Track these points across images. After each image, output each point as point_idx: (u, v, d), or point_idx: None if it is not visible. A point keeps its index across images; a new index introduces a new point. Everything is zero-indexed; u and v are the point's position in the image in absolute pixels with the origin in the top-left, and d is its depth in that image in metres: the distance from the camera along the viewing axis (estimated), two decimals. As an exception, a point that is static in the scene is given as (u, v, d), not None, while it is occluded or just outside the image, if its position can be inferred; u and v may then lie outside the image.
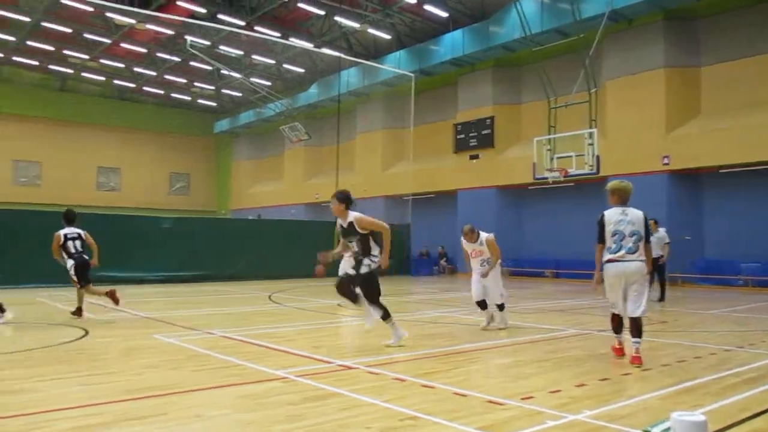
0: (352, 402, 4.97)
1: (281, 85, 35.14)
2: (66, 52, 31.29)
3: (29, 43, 29.91)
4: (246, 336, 8.52)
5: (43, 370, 6.25)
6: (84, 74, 34.88)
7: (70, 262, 10.87)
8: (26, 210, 19.62)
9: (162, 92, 37.92)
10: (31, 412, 4.66)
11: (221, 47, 29.60)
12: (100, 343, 8.16)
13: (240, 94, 37.88)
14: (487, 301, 9.46)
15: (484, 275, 9.22)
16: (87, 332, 8.90)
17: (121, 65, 33.64)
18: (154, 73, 34.36)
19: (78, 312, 10.75)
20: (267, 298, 15.16)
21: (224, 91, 37.62)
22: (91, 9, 24.99)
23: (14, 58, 32.80)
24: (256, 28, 26.42)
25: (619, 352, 6.95)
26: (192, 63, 32.04)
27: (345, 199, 7.41)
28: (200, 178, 42.37)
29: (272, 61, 32.07)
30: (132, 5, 23.65)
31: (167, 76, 35.08)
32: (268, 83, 34.53)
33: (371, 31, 27.26)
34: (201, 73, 34.44)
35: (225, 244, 21.49)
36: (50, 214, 20.54)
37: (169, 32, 28.58)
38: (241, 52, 30.71)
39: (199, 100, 39.56)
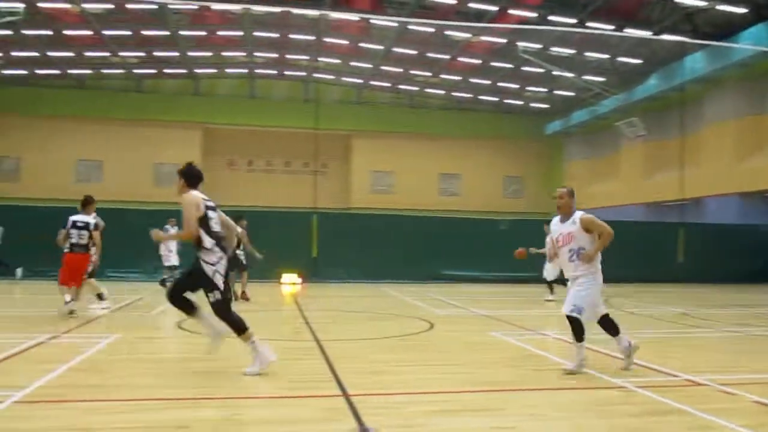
0: (700, 422, 4.51)
1: (616, 79, 33.51)
2: (413, 71, 34.93)
3: (382, 67, 34.21)
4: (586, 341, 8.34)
5: (400, 357, 7.06)
6: (426, 90, 38.43)
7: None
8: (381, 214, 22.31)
9: (496, 99, 39.49)
10: (390, 392, 5.32)
11: (553, 49, 29.58)
12: (445, 336, 8.88)
13: (572, 94, 37.27)
14: None
15: None
16: (432, 325, 9.75)
17: (458, 78, 36.05)
18: (488, 82, 35.99)
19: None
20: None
21: (556, 92, 37.46)
22: (432, 30, 27.43)
23: (370, 82, 37.86)
24: (588, 24, 25.76)
25: None
26: (524, 68, 32.69)
27: None
28: (533, 181, 42.88)
29: (606, 56, 30.86)
30: (468, 20, 25.25)
31: (500, 84, 36.40)
32: (602, 79, 33.27)
33: (721, 7, 24.26)
34: (533, 76, 34.86)
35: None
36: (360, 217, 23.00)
37: (502, 41, 29.63)
38: (573, 51, 30.23)
39: (531, 104, 40.14)
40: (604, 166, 37.95)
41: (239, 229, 13.32)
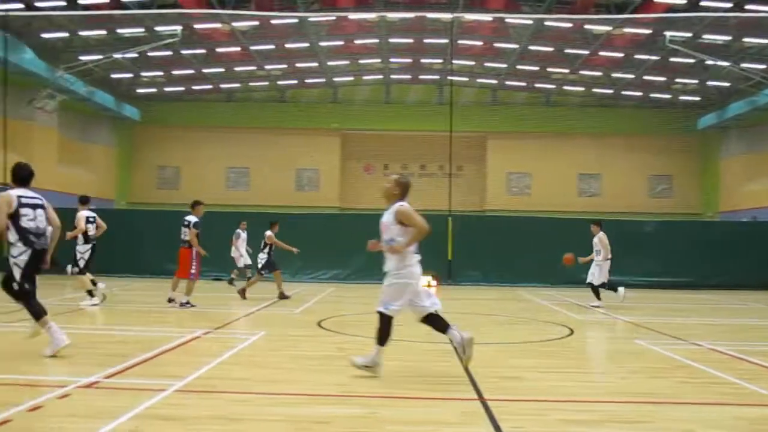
0: None
1: (779, 66, 30.42)
2: (549, 69, 33.90)
3: (518, 66, 33.53)
4: (740, 351, 7.64)
5: (539, 362, 6.86)
6: (564, 87, 37.12)
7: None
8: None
9: (640, 94, 37.30)
10: (528, 398, 5.18)
11: (705, 36, 27.42)
12: (586, 342, 8.50)
13: (728, 84, 34.34)
14: None
15: None
16: (572, 331, 9.37)
17: (599, 73, 34.46)
18: (632, 76, 34.09)
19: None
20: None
21: (709, 83, 34.69)
22: (570, 25, 26.46)
23: (506, 83, 37.24)
24: (747, 6, 23.60)
25: None
26: (672, 59, 30.60)
27: None
28: (683, 179, 39.97)
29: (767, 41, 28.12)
30: (608, 12, 24.07)
31: (645, 77, 34.34)
32: (763, 66, 30.35)
33: None
34: (682, 67, 32.54)
35: (711, 249, 19.74)
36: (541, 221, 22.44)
37: (647, 32, 27.94)
38: (729, 37, 27.84)
39: (680, 97, 37.46)
40: (766, 162, 34.59)
41: (267, 233, 13.92)
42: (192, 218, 11.39)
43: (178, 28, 25.90)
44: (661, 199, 39.85)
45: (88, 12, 24.57)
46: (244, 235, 17.11)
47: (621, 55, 31.46)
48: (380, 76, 38.04)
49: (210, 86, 38.30)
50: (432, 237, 6.80)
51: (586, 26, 27.27)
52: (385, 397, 5.13)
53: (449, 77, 28.15)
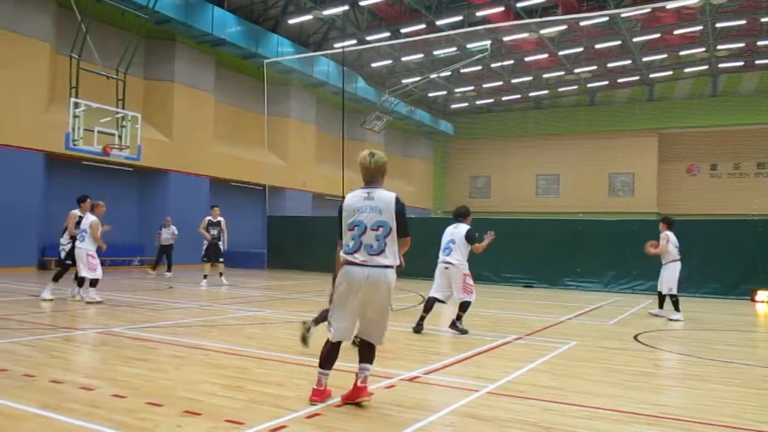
0: None
1: None
2: None
3: None
4: None
5: None
6: None
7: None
8: None
9: None
10: None
11: None
12: None
13: None
14: None
15: None
16: None
17: None
18: None
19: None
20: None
21: None
22: None
23: None
24: None
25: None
26: None
27: None
28: None
29: None
30: None
31: None
32: None
33: None
34: None
35: None
36: None
37: None
38: None
39: None
40: None
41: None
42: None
43: (487, 42, 26.90)
44: None
45: (409, 39, 27.02)
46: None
47: None
48: (705, 67, 34.22)
49: (518, 96, 38.91)
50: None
51: None
52: (706, 424, 4.56)
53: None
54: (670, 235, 11.42)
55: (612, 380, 5.97)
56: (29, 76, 18.89)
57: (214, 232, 15.71)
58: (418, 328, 8.50)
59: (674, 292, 11.07)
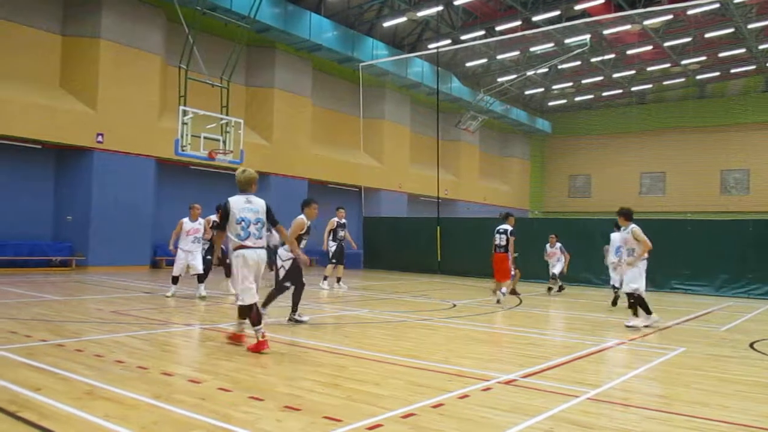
0: None
1: None
2: None
3: None
4: None
5: None
6: None
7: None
8: None
9: None
10: None
11: None
12: None
13: None
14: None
15: None
16: None
17: None
18: None
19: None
20: None
21: None
22: None
23: None
24: None
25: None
26: None
27: None
28: None
29: None
30: None
31: None
32: None
33: None
34: None
35: None
36: None
37: None
38: None
39: None
40: None
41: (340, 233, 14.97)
42: (507, 227, 12.64)
43: (587, 36, 26.01)
44: None
45: (504, 36, 26.60)
46: (556, 246, 15.36)
47: None
48: (831, 52, 31.50)
49: (620, 91, 37.38)
50: None
51: None
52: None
53: None
54: None
55: (724, 390, 5.60)
56: (144, 87, 20.17)
57: (342, 233, 15.16)
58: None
59: None
